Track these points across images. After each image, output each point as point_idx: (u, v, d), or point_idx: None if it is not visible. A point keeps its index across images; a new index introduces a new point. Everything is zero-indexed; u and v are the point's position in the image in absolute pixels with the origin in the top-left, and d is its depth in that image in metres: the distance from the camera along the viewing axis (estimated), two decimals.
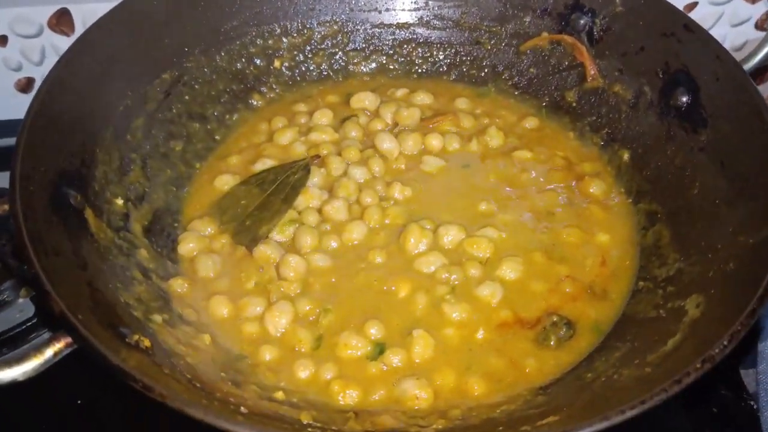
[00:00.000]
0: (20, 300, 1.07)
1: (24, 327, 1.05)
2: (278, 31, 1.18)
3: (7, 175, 1.22)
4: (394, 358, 0.86)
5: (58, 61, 0.92)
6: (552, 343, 0.87)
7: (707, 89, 0.96)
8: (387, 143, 1.07)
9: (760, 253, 0.77)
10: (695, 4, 1.39)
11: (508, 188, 1.06)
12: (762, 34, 1.44)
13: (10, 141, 1.30)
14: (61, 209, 0.84)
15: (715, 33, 1.39)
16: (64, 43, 1.37)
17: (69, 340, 0.69)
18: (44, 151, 0.85)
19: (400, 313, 0.91)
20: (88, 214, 0.88)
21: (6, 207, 0.82)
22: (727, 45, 1.41)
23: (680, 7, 1.35)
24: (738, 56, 1.38)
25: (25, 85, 1.46)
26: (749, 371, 1.06)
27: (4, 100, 1.46)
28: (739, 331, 0.69)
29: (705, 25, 1.38)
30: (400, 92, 1.19)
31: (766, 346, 1.07)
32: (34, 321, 1.05)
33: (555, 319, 0.88)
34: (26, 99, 1.42)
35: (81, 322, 0.68)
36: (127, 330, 0.75)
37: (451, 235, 0.98)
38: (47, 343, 0.71)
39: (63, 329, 0.69)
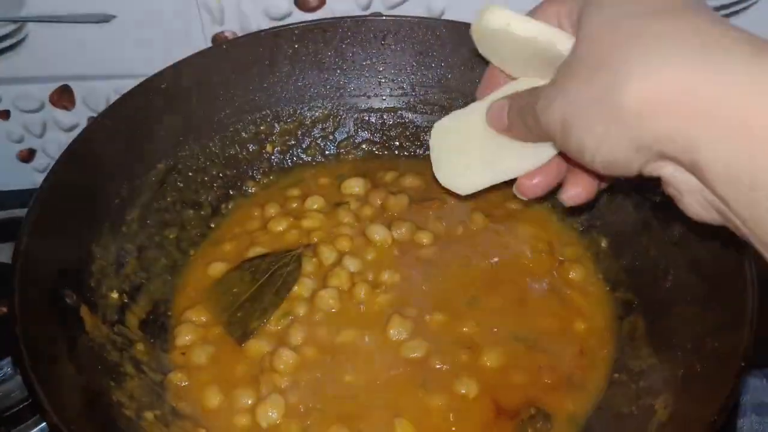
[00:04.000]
0: (18, 377, 1.10)
1: (23, 406, 1.08)
2: (270, 117, 1.22)
3: (8, 246, 1.27)
4: None
5: (56, 162, 0.96)
6: None
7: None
8: (376, 233, 1.11)
9: (723, 360, 0.79)
10: None
11: (491, 272, 1.09)
12: None
13: (13, 213, 1.35)
14: (57, 311, 0.87)
15: None
16: (64, 117, 1.42)
17: None
18: (43, 253, 0.89)
19: (384, 404, 0.94)
20: (84, 312, 0.91)
21: (4, 309, 0.86)
22: None
23: None
24: None
25: (26, 156, 1.50)
26: None
27: (7, 170, 1.51)
28: None
29: None
30: (390, 176, 1.22)
31: (744, 422, 1.10)
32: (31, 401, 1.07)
33: (533, 412, 0.91)
34: (28, 169, 1.48)
35: None
36: None
37: (434, 323, 1.01)
38: None
39: None
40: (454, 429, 0.92)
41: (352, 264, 1.08)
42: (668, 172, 0.62)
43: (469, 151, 0.90)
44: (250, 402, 0.94)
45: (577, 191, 0.83)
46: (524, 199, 0.87)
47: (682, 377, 0.86)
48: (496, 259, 1.11)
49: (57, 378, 0.79)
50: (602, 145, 0.63)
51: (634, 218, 1.07)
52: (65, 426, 0.72)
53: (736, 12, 1.34)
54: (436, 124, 0.95)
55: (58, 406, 0.74)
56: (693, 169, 0.59)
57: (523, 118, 0.77)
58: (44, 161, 1.51)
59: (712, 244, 0.92)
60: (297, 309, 1.04)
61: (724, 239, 0.89)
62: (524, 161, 0.84)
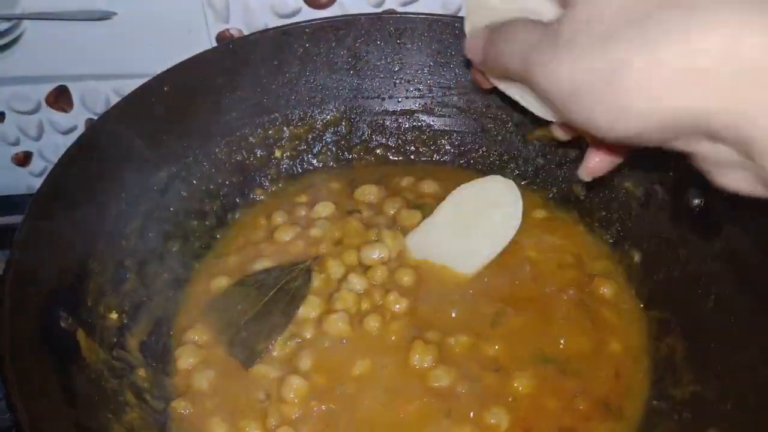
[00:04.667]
0: None
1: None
2: (279, 120, 1.16)
3: (4, 253, 1.21)
4: None
5: (52, 170, 0.90)
6: None
7: (721, 193, 0.92)
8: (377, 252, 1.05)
9: None
10: None
11: (515, 288, 1.03)
12: None
13: (7, 219, 1.29)
14: (50, 338, 0.81)
15: None
16: (61, 119, 1.37)
17: None
18: (35, 273, 0.83)
19: None
20: (80, 335, 0.85)
21: None
22: None
23: None
24: None
25: (22, 159, 1.45)
26: None
27: (2, 174, 1.46)
28: None
29: None
30: (406, 181, 1.16)
31: None
32: None
33: None
34: (24, 173, 1.42)
35: None
36: None
37: (458, 347, 0.94)
38: None
39: None
40: None
41: (359, 283, 1.01)
42: (705, 148, 0.54)
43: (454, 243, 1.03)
44: None
45: (595, 162, 0.75)
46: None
47: (732, 409, 0.78)
48: (520, 275, 1.03)
49: (48, 414, 0.72)
50: (620, 121, 0.54)
51: (669, 229, 1.00)
52: None
53: None
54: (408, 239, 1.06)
55: None
56: (737, 141, 0.51)
57: (507, 59, 0.65)
58: (41, 165, 1.46)
59: (760, 257, 0.85)
60: (305, 331, 0.97)
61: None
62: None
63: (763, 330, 0.82)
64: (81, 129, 1.39)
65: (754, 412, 0.76)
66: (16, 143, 1.43)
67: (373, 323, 0.96)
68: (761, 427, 0.73)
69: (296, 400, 0.89)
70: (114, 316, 0.92)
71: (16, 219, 1.26)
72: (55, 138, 1.42)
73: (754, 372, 0.79)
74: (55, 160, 0.92)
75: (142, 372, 0.90)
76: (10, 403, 0.69)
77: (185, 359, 0.93)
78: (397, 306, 0.98)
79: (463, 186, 1.08)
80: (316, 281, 1.01)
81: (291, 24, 1.12)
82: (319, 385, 0.91)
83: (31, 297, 0.80)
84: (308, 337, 0.96)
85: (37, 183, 0.87)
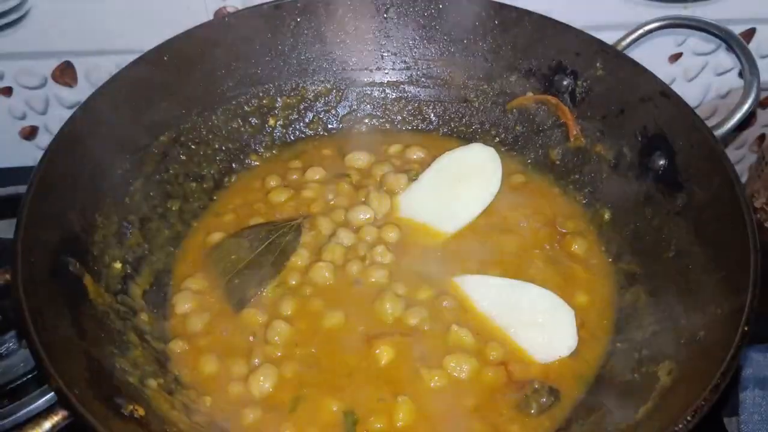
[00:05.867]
0: (22, 350, 1.10)
1: (25, 379, 1.08)
2: (273, 90, 1.22)
3: (12, 222, 1.27)
4: (377, 424, 0.88)
5: (59, 132, 0.96)
6: (533, 411, 0.89)
7: (683, 155, 0.99)
8: (365, 212, 1.11)
9: (726, 325, 0.80)
10: (680, 55, 1.42)
11: (494, 245, 1.09)
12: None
13: (16, 189, 1.35)
14: (60, 278, 0.87)
15: (700, 82, 1.45)
16: (67, 93, 1.41)
17: (66, 413, 0.73)
18: (45, 220, 0.89)
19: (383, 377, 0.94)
20: (87, 280, 0.91)
21: (7, 276, 0.86)
22: (711, 93, 1.47)
23: (665, 58, 1.40)
24: (723, 103, 1.43)
25: (29, 133, 1.50)
26: (732, 419, 1.09)
27: (9, 147, 1.50)
28: (703, 407, 0.72)
29: (690, 75, 1.43)
30: (394, 148, 1.23)
31: (746, 395, 1.10)
32: (35, 373, 1.07)
33: (537, 386, 0.91)
34: (30, 146, 1.47)
35: (77, 398, 0.72)
36: (122, 400, 0.78)
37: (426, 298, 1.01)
38: (45, 415, 0.75)
39: (60, 404, 0.72)
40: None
41: (347, 237, 1.08)
42: None
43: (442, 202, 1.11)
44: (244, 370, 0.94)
45: None
46: None
47: (685, 344, 0.86)
48: (497, 234, 1.11)
49: (61, 344, 0.80)
50: None
51: (636, 190, 1.07)
52: (70, 391, 0.72)
53: None
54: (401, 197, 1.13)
55: (63, 372, 0.74)
56: None
57: None
58: (46, 139, 1.50)
59: (715, 212, 0.92)
60: (290, 280, 1.04)
61: (727, 206, 0.89)
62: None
63: (714, 275, 0.89)
64: None
65: (702, 344, 0.83)
66: (23, 117, 1.48)
67: (355, 270, 1.03)
68: (708, 355, 0.80)
69: (279, 342, 0.96)
70: (118, 266, 0.99)
71: (21, 189, 1.32)
72: (60, 112, 1.47)
73: (705, 311, 0.85)
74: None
75: (144, 316, 0.97)
76: (25, 332, 0.76)
77: (182, 305, 1.01)
78: (379, 258, 1.05)
79: (447, 153, 1.14)
80: (307, 237, 1.08)
81: None
82: (302, 329, 0.98)
83: (41, 242, 0.87)
84: (294, 284, 1.02)
85: None
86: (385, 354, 0.93)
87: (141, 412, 0.79)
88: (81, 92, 1.41)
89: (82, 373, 0.78)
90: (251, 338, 0.97)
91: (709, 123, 1.27)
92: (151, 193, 1.08)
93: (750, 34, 1.40)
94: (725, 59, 1.44)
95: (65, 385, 0.72)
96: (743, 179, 1.48)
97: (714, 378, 0.74)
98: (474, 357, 0.94)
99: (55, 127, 1.43)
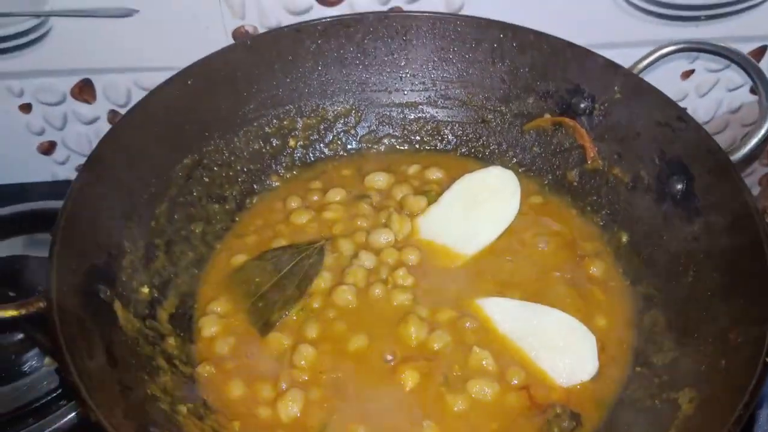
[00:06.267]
0: (44, 369, 1.11)
1: (49, 398, 1.09)
2: (293, 112, 1.23)
3: (22, 240, 1.28)
4: None
5: (87, 160, 0.97)
6: None
7: (700, 181, 1.01)
8: (386, 235, 1.13)
9: (747, 354, 0.81)
10: (692, 71, 1.44)
11: (512, 267, 1.11)
12: (755, 97, 1.48)
13: (33, 205, 1.36)
14: (92, 306, 0.89)
15: (712, 97, 1.46)
16: (85, 110, 1.43)
17: None
18: (76, 249, 0.90)
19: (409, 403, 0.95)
20: (117, 306, 0.93)
21: (41, 305, 0.87)
22: (723, 108, 1.48)
23: (677, 74, 1.41)
24: (735, 118, 1.44)
25: (47, 148, 1.51)
26: None
27: (28, 162, 1.51)
28: None
29: (702, 91, 1.44)
30: (413, 169, 1.24)
31: (762, 414, 1.11)
32: (59, 392, 1.09)
33: (558, 411, 0.93)
34: (48, 161, 1.49)
35: (115, 428, 0.73)
36: (156, 429, 0.80)
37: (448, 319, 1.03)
38: None
39: None
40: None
41: (368, 260, 1.09)
42: None
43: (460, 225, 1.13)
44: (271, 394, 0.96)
45: None
46: None
47: (706, 371, 0.87)
48: (516, 255, 1.13)
49: (96, 374, 0.81)
50: None
51: (654, 213, 1.08)
52: (106, 420, 0.74)
53: (734, 13, 1.35)
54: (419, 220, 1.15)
55: (101, 403, 0.75)
56: None
57: None
58: (64, 154, 1.53)
59: (733, 240, 0.93)
60: (316, 302, 1.05)
61: (745, 235, 0.90)
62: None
63: (733, 302, 0.90)
64: (103, 119, 1.46)
65: (723, 372, 0.84)
66: (41, 133, 1.49)
67: (378, 292, 1.05)
68: (730, 384, 0.82)
69: (305, 366, 0.97)
70: (145, 290, 1.00)
71: (40, 205, 1.34)
72: (78, 128, 1.48)
73: (725, 339, 0.87)
74: (78, 149, 0.99)
75: (171, 340, 0.98)
76: (62, 363, 0.77)
77: (208, 328, 1.02)
78: (401, 281, 1.07)
79: (467, 175, 1.16)
80: (329, 259, 1.10)
81: (304, 22, 1.20)
82: (326, 353, 0.99)
83: (73, 271, 0.89)
84: (317, 307, 1.04)
85: (61, 171, 0.94)
86: (410, 380, 0.95)
87: None
88: (99, 108, 1.44)
89: (118, 402, 0.80)
90: (277, 362, 0.97)
91: (722, 136, 1.29)
92: (176, 216, 1.09)
93: (761, 52, 1.42)
94: (736, 75, 1.46)
95: (104, 417, 0.73)
96: (754, 192, 1.49)
97: (737, 409, 0.75)
98: (496, 381, 0.96)
99: (73, 143, 1.47)
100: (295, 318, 1.03)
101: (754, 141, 1.04)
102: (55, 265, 0.85)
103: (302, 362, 0.97)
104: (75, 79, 1.40)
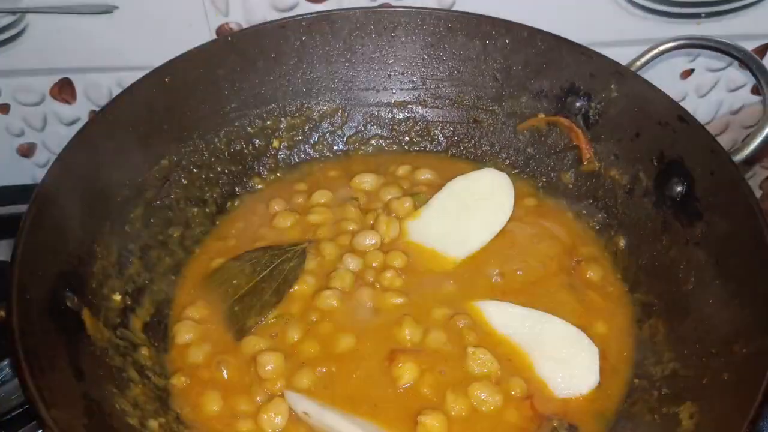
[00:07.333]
0: (16, 380, 1.07)
1: (22, 410, 1.05)
2: (277, 111, 1.19)
3: (6, 243, 1.24)
4: None
5: (56, 158, 0.93)
6: None
7: (702, 182, 0.96)
8: (371, 237, 1.08)
9: (753, 367, 0.76)
10: (692, 71, 1.40)
11: (506, 271, 1.06)
12: (757, 98, 1.45)
13: (11, 208, 1.32)
14: (58, 314, 0.84)
15: (712, 98, 1.42)
16: (65, 110, 1.39)
17: None
18: (42, 254, 0.86)
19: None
20: (85, 314, 0.88)
21: (1, 313, 0.82)
22: (723, 109, 1.44)
23: (677, 73, 1.37)
24: (735, 119, 1.40)
25: (27, 151, 1.48)
26: None
27: (7, 165, 1.49)
28: None
29: (702, 91, 1.40)
30: (402, 170, 1.20)
31: (765, 426, 1.07)
32: None
33: (555, 424, 0.88)
34: (28, 164, 1.45)
35: None
36: None
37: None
38: None
39: None
40: None
41: (353, 263, 1.05)
42: None
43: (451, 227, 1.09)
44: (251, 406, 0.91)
45: None
46: None
47: (708, 385, 0.82)
48: (510, 259, 1.08)
49: (58, 387, 0.76)
50: None
51: (653, 217, 1.04)
52: None
53: (735, 10, 1.31)
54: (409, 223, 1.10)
55: (58, 417, 0.70)
56: None
57: None
58: (45, 156, 1.49)
59: (736, 244, 0.88)
60: (295, 307, 1.01)
61: (748, 239, 0.86)
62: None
63: (737, 311, 0.86)
64: (84, 120, 1.42)
65: (727, 386, 0.80)
66: (21, 134, 1.46)
67: (365, 297, 1.00)
68: (733, 399, 0.77)
69: (274, 376, 0.92)
70: (117, 297, 0.96)
71: (20, 208, 1.29)
72: (58, 129, 1.45)
73: (729, 350, 0.82)
74: (59, 151, 0.95)
75: (144, 351, 0.94)
76: (20, 376, 0.72)
77: (183, 335, 0.98)
78: (388, 284, 1.03)
79: (458, 177, 1.12)
80: (312, 263, 1.05)
81: (288, 17, 1.16)
82: (311, 354, 0.95)
83: (38, 277, 0.84)
84: (297, 312, 1.00)
85: (41, 173, 0.90)
86: (407, 373, 0.92)
87: None
88: (79, 109, 1.41)
89: (80, 418, 0.75)
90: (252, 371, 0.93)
91: (722, 138, 1.25)
92: (152, 220, 1.05)
93: (763, 50, 1.38)
94: (737, 76, 1.42)
95: None
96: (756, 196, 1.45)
97: (741, 428, 0.70)
98: (496, 388, 0.92)
99: (53, 145, 1.43)
100: (272, 324, 0.98)
101: (757, 141, 0.99)
102: (16, 271, 0.80)
103: (268, 369, 0.92)
104: (54, 79, 1.37)
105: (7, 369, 1.09)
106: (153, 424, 0.84)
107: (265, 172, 1.19)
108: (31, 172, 1.51)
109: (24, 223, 0.85)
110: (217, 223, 1.14)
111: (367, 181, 1.17)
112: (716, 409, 0.79)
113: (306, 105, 1.20)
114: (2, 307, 0.82)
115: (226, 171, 1.15)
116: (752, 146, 0.99)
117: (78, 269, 0.91)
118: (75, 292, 0.89)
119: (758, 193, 1.49)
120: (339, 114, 1.22)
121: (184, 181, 1.11)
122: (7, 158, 1.48)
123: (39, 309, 0.82)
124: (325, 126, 1.22)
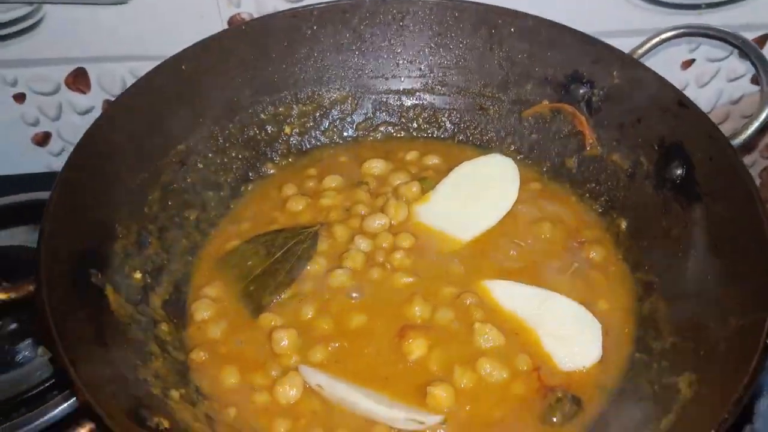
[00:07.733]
0: (38, 359, 1.10)
1: (43, 388, 1.08)
2: (289, 98, 1.22)
3: (22, 230, 1.27)
4: None
5: (78, 144, 0.96)
6: (556, 420, 0.90)
7: (701, 166, 0.99)
8: (380, 219, 1.12)
9: (747, 338, 0.80)
10: (692, 61, 1.42)
11: (512, 252, 1.10)
12: (757, 88, 1.48)
13: (28, 196, 1.35)
14: (82, 289, 0.88)
15: (713, 88, 1.44)
16: (80, 100, 1.42)
17: (93, 426, 0.73)
18: (66, 232, 0.89)
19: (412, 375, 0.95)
20: (108, 291, 0.92)
21: (31, 288, 0.86)
22: (724, 99, 1.46)
23: (677, 63, 1.40)
24: (736, 108, 1.43)
25: (41, 140, 1.50)
26: (746, 427, 1.09)
27: (22, 153, 1.51)
28: (726, 420, 0.72)
29: (702, 81, 1.43)
30: (410, 155, 1.23)
31: (762, 403, 1.10)
32: (52, 382, 1.07)
33: (560, 395, 0.91)
34: (43, 153, 1.48)
35: (104, 410, 0.72)
36: (146, 412, 0.79)
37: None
38: (72, 427, 0.75)
39: (87, 417, 0.72)
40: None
41: (364, 243, 1.08)
42: None
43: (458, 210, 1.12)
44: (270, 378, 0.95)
45: None
46: None
47: (705, 356, 0.86)
48: (515, 241, 1.11)
49: (86, 356, 0.80)
50: None
51: (654, 200, 1.07)
52: (97, 403, 0.72)
53: (736, 0, 1.33)
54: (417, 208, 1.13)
55: (90, 384, 0.74)
56: None
57: None
58: (59, 145, 1.52)
59: (734, 225, 0.92)
60: (309, 285, 1.04)
61: (746, 220, 0.89)
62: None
63: (732, 287, 0.89)
64: (98, 109, 1.45)
65: (723, 356, 0.83)
66: (36, 124, 1.49)
67: (375, 276, 1.04)
68: (729, 367, 0.80)
69: (289, 351, 0.96)
70: (138, 276, 0.99)
71: (35, 196, 1.33)
72: (73, 118, 1.47)
73: (725, 323, 0.85)
74: (74, 140, 0.98)
75: (164, 327, 0.97)
76: (51, 345, 0.76)
77: (201, 312, 1.01)
78: (398, 264, 1.06)
79: (465, 162, 1.15)
80: (324, 245, 1.08)
81: (300, 7, 1.19)
82: (324, 331, 0.99)
83: (63, 255, 0.87)
84: (310, 292, 1.03)
85: (56, 162, 0.93)
86: (416, 349, 0.95)
87: (166, 424, 0.79)
88: (94, 98, 1.43)
89: (107, 385, 0.78)
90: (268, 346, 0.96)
91: (722, 128, 1.28)
92: (169, 203, 1.08)
93: (763, 40, 1.40)
94: (738, 65, 1.45)
95: (92, 397, 0.72)
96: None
97: (737, 392, 0.74)
98: (503, 361, 0.95)
99: (68, 134, 1.45)
100: (286, 303, 1.02)
101: (755, 125, 1.03)
102: (43, 248, 0.84)
103: (283, 344, 0.96)
104: (69, 68, 1.39)
105: (29, 349, 1.13)
106: (174, 394, 0.88)
107: (278, 158, 1.22)
108: (46, 161, 1.53)
109: (49, 205, 0.88)
110: (231, 206, 1.16)
111: (376, 166, 1.20)
112: (714, 377, 0.82)
113: (317, 92, 1.23)
114: (30, 282, 0.85)
115: (240, 156, 1.18)
116: (750, 131, 1.02)
117: (100, 247, 0.95)
118: (98, 269, 0.92)
119: (757, 182, 1.53)
120: (349, 101, 1.25)
121: (200, 166, 1.14)
122: (22, 147, 1.50)
123: (65, 283, 0.85)
124: (336, 113, 1.25)
